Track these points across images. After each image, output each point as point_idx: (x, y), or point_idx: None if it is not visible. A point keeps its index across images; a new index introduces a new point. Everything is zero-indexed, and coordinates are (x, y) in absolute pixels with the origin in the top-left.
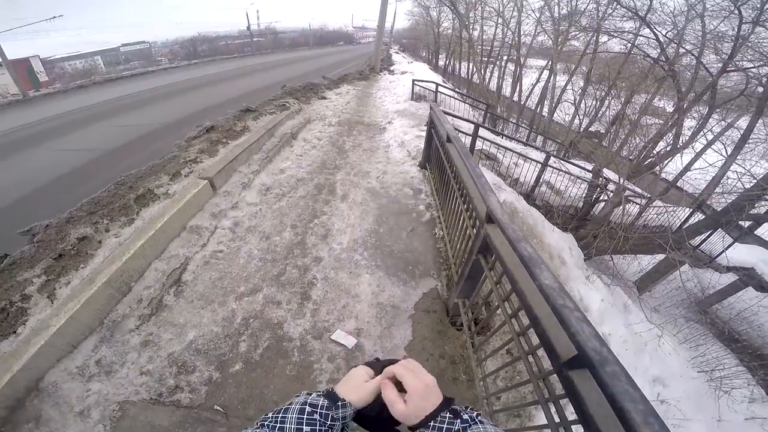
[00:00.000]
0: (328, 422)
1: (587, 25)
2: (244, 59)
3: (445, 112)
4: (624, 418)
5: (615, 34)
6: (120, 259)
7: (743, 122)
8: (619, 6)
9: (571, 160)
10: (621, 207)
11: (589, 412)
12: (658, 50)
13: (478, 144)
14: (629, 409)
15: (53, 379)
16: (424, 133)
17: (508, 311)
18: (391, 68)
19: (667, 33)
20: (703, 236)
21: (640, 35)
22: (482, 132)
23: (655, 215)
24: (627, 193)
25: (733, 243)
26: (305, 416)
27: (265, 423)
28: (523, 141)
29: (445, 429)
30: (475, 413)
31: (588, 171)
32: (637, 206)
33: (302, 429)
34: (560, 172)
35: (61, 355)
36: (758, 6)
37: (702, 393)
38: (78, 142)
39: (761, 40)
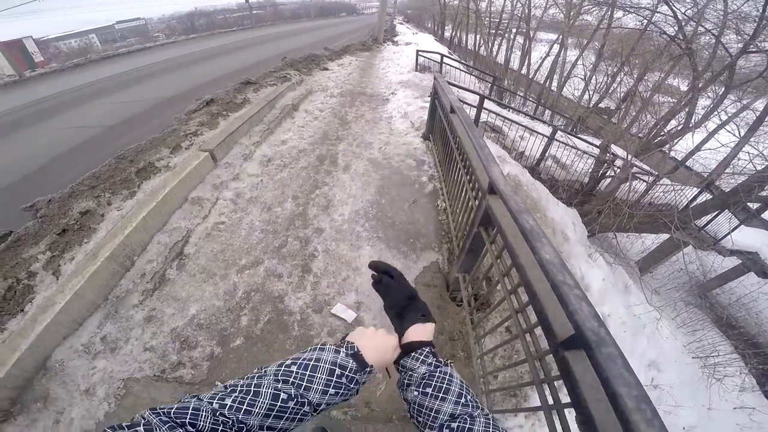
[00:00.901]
0: (352, 385)
1: (601, 0)
2: (244, 32)
3: (450, 83)
4: (616, 403)
5: (631, 10)
6: (122, 232)
7: (760, 104)
8: None
9: (579, 135)
10: (627, 183)
11: (582, 395)
12: (676, 28)
13: (483, 116)
14: (622, 394)
15: (60, 357)
16: (427, 105)
17: (507, 287)
18: (395, 39)
19: (686, 11)
20: (709, 216)
21: (658, 12)
22: (488, 104)
23: (662, 193)
24: (634, 169)
25: (739, 225)
26: (334, 378)
27: (289, 379)
28: (531, 114)
29: (421, 360)
30: (450, 361)
31: (596, 146)
32: (644, 183)
33: (328, 391)
34: (567, 147)
35: (67, 332)
36: None
37: (695, 380)
38: (77, 120)
39: None
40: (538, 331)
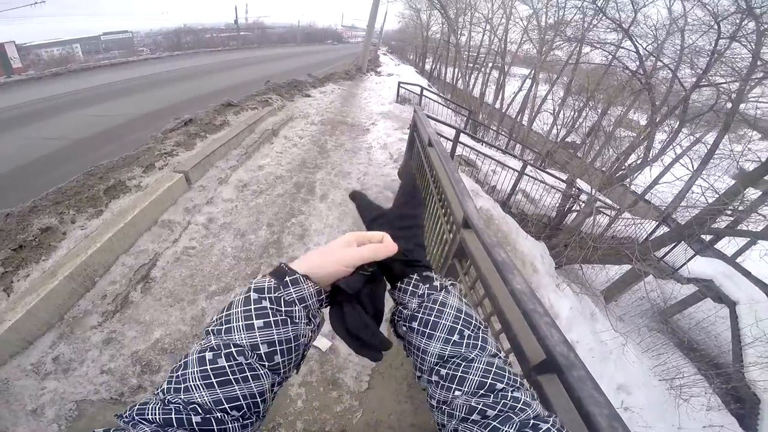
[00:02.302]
0: (282, 308)
1: (572, 36)
2: (230, 53)
3: (429, 116)
4: (589, 422)
5: (597, 46)
6: (85, 252)
7: (710, 137)
8: (604, 17)
9: (547, 170)
10: (592, 218)
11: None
12: (638, 63)
13: (459, 150)
14: (594, 413)
15: (4, 375)
16: (407, 136)
17: (481, 316)
18: (378, 69)
19: (647, 46)
20: (667, 248)
21: (622, 47)
22: (463, 138)
23: (624, 227)
24: (598, 204)
25: (694, 255)
26: (252, 306)
27: (210, 329)
28: (503, 149)
29: (410, 291)
30: (449, 282)
31: (562, 181)
32: (607, 217)
33: (252, 323)
34: (536, 181)
35: (15, 351)
36: (737, 22)
37: (663, 401)
38: (48, 131)
39: (735, 56)
40: (512, 357)
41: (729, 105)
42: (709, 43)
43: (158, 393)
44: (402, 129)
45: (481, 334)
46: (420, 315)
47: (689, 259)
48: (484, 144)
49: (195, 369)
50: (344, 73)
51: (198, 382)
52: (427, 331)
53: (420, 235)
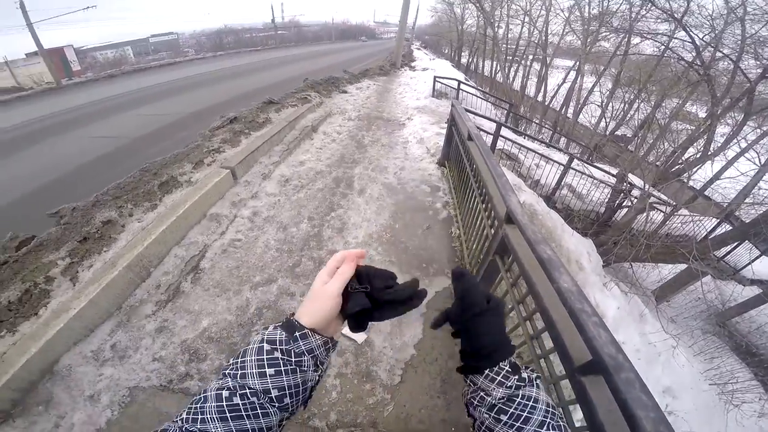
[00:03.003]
0: (292, 359)
1: (618, 26)
2: (268, 52)
3: (467, 110)
4: (634, 425)
5: (648, 36)
6: (141, 244)
7: None
8: (653, 7)
9: (595, 164)
10: (645, 214)
11: (599, 419)
12: (693, 53)
13: (500, 144)
14: (641, 417)
15: (68, 362)
16: (443, 131)
17: (522, 314)
18: (413, 64)
19: (704, 36)
20: (728, 247)
21: (675, 38)
22: (504, 131)
23: (680, 224)
24: (652, 199)
25: (760, 256)
26: (265, 357)
27: (227, 372)
28: (546, 142)
29: (498, 381)
30: (535, 374)
31: (612, 175)
32: (662, 214)
33: (265, 372)
34: (583, 176)
35: (78, 338)
36: None
37: (711, 406)
38: (107, 130)
39: None
40: (552, 357)
41: None
42: None
43: (177, 421)
44: (439, 123)
45: (562, 424)
46: (511, 409)
47: (754, 260)
48: (526, 137)
49: (213, 404)
50: (379, 68)
51: (214, 416)
52: (517, 424)
53: (502, 324)
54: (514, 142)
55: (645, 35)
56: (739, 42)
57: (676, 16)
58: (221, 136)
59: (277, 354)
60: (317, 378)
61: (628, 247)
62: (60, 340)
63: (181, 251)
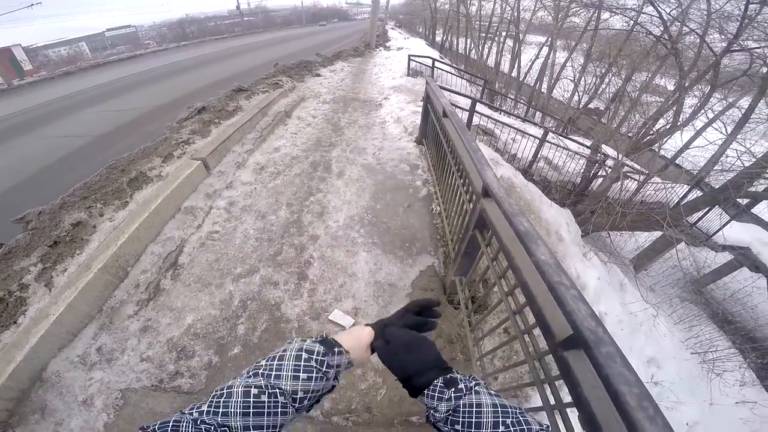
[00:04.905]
0: (323, 369)
1: (588, 1)
2: (235, 39)
3: (442, 87)
4: (618, 401)
5: (617, 11)
6: (115, 243)
7: (745, 102)
8: None
9: (570, 136)
10: (619, 183)
11: (584, 394)
12: (661, 28)
13: (476, 119)
14: (624, 392)
15: (56, 368)
16: (420, 109)
17: (504, 289)
18: (387, 44)
19: (671, 11)
20: (700, 213)
21: (643, 13)
22: (480, 107)
23: (653, 192)
24: (625, 169)
25: (730, 221)
26: (302, 363)
27: (259, 371)
28: (522, 117)
29: (436, 397)
30: (473, 383)
31: (586, 147)
32: (636, 182)
33: (299, 376)
34: (558, 148)
35: (62, 344)
36: None
37: (695, 375)
38: (67, 129)
39: None
40: (537, 331)
41: (764, 69)
42: (738, 8)
43: (192, 412)
44: (415, 102)
45: (521, 418)
46: (460, 419)
47: (724, 225)
48: (502, 113)
49: (239, 400)
50: (353, 50)
51: (238, 410)
52: (472, 430)
53: (429, 345)
54: (489, 117)
55: (614, 10)
56: (705, 17)
57: None
58: (190, 128)
59: (313, 363)
60: (331, 387)
61: (605, 215)
62: (44, 347)
63: (157, 248)
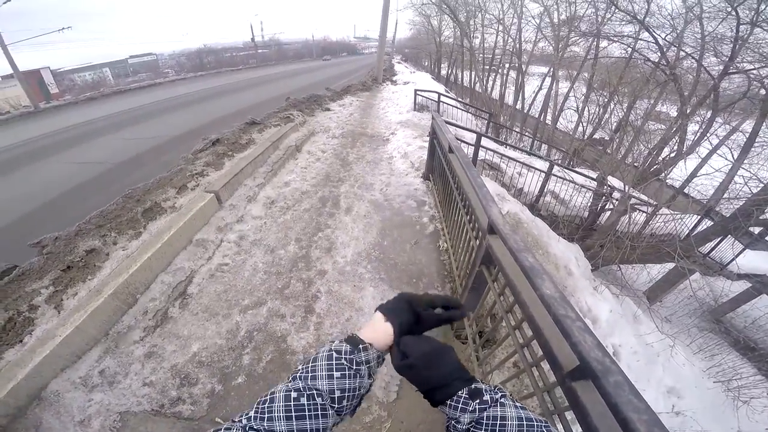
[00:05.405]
0: (354, 366)
1: (587, 30)
2: (249, 71)
3: (448, 122)
4: (628, 429)
5: (615, 39)
6: (127, 271)
7: (748, 125)
8: (617, 10)
9: (576, 169)
10: (627, 215)
11: (594, 423)
12: (659, 54)
13: (481, 154)
14: (633, 419)
15: (56, 388)
16: (427, 144)
17: (511, 323)
18: (394, 78)
19: (666, 36)
20: (712, 243)
21: (640, 39)
22: (485, 142)
23: (663, 223)
24: (633, 201)
25: (743, 250)
26: (333, 362)
27: (297, 375)
28: (527, 150)
29: (460, 408)
30: (499, 394)
31: (592, 179)
32: (644, 214)
33: (333, 374)
34: (565, 181)
35: (66, 364)
36: (755, 7)
37: (719, 403)
38: (88, 155)
39: (760, 41)
40: (545, 364)
41: (762, 91)
42: (731, 30)
43: (240, 420)
44: (422, 137)
45: (545, 431)
46: (483, 431)
47: (738, 254)
48: (507, 146)
49: (281, 404)
50: (361, 84)
51: (281, 414)
52: None
53: (450, 355)
54: (495, 152)
55: (612, 38)
56: (700, 40)
57: (638, 17)
58: (204, 159)
59: (343, 361)
60: (368, 385)
61: (615, 249)
62: (47, 367)
63: (167, 277)
